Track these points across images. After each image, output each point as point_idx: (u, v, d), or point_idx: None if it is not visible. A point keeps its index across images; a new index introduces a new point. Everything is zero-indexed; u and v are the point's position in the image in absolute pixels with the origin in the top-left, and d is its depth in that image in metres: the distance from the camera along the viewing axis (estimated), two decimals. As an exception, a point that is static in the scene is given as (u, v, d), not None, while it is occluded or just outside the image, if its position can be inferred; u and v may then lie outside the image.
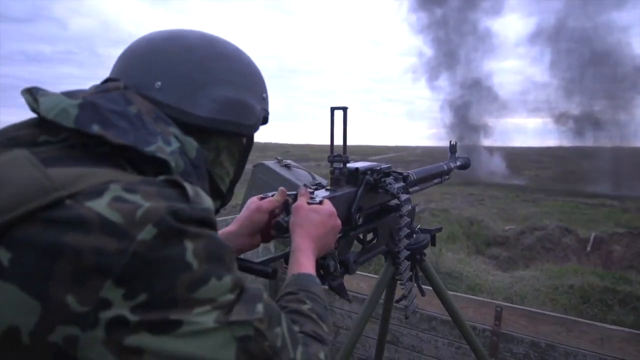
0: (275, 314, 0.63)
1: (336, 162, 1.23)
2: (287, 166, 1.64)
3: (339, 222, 0.99)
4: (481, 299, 2.42)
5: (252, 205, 1.05)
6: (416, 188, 1.67)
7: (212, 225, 0.58)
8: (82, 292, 0.49)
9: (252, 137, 0.86)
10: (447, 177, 2.05)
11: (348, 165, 1.25)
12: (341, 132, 1.21)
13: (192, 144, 0.70)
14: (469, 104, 34.26)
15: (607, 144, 26.80)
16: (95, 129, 0.61)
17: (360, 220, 1.25)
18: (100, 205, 0.52)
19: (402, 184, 1.39)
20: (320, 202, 1.00)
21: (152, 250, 0.51)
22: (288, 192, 1.09)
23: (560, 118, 31.40)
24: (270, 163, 1.65)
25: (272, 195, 1.08)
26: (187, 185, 0.58)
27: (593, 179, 19.71)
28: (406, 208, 1.42)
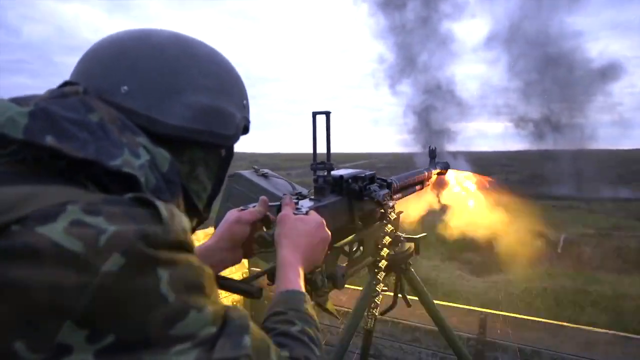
0: (263, 348, 0.59)
1: (319, 169, 1.19)
2: (265, 175, 1.58)
3: (328, 233, 0.96)
4: (465, 307, 2.40)
5: (232, 217, 1.01)
6: (399, 195, 1.66)
7: (190, 249, 0.54)
8: (34, 337, 0.44)
9: (231, 149, 0.81)
10: (428, 183, 2.05)
11: (332, 172, 1.21)
12: (324, 138, 1.17)
13: (163, 155, 0.64)
14: (431, 108, 34.75)
15: (567, 147, 27.78)
16: (49, 140, 0.55)
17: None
18: (55, 231, 0.46)
19: (386, 191, 1.37)
20: (307, 213, 0.97)
21: (120, 283, 0.47)
22: (270, 203, 1.04)
23: (520, 122, 32.40)
24: (247, 173, 1.58)
25: (253, 207, 1.04)
26: (160, 204, 0.53)
27: (557, 181, 20.37)
28: (391, 217, 1.40)
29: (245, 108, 0.80)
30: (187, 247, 0.53)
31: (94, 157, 0.57)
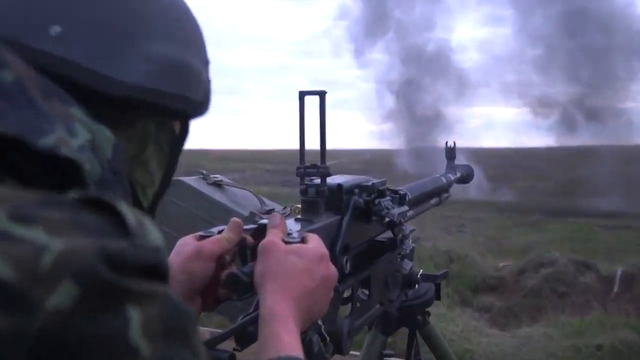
0: None
1: (310, 175, 1.20)
2: (218, 184, 1.58)
3: (333, 269, 0.98)
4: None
5: (187, 249, 1.01)
6: (411, 213, 1.69)
7: (164, 276, 0.55)
8: None
9: (187, 125, 0.86)
10: (446, 195, 2.12)
11: (328, 180, 1.23)
12: (309, 130, 1.22)
13: (105, 135, 0.67)
14: (416, 86, 33.37)
15: (609, 142, 28.33)
16: None
17: (348, 266, 1.26)
18: None
19: (404, 208, 1.40)
20: (303, 240, 0.99)
21: (73, 326, 0.46)
22: (246, 226, 1.04)
23: (540, 106, 32.40)
24: (191, 180, 1.58)
25: (219, 232, 1.05)
26: (123, 207, 0.54)
27: (603, 191, 21.00)
28: (407, 245, 1.44)
29: (207, 67, 0.85)
30: (161, 273, 0.54)
31: (15, 132, 0.56)
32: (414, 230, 1.53)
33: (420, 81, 33.23)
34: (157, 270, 0.53)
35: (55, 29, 0.68)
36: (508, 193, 21.81)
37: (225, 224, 1.10)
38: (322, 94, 1.19)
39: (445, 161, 2.26)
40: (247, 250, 1.04)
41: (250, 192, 1.56)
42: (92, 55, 0.69)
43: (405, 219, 1.40)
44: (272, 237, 0.96)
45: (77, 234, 0.49)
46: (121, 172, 0.68)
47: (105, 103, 0.70)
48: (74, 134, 0.62)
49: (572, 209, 17.76)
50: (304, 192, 1.22)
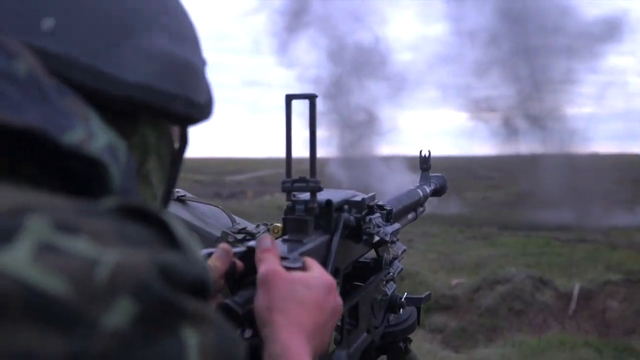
0: None
1: (299, 189, 1.18)
2: (181, 200, 1.53)
3: (340, 301, 0.99)
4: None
5: None
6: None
7: (210, 295, 0.55)
8: None
9: (186, 132, 0.85)
10: (422, 209, 2.13)
11: (319, 196, 1.20)
12: (301, 141, 1.23)
13: (119, 142, 0.65)
14: (344, 86, 31.95)
15: (550, 150, 28.90)
16: None
17: (338, 289, 1.22)
18: (16, 262, 0.44)
19: (397, 226, 1.40)
20: (302, 266, 0.98)
21: (133, 350, 0.46)
22: (235, 249, 1.02)
23: (478, 110, 32.50)
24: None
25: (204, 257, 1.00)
26: (167, 218, 0.54)
27: (554, 202, 21.63)
28: (396, 266, 1.44)
29: (206, 68, 0.84)
30: (208, 292, 0.54)
31: (39, 125, 0.55)
32: (405, 250, 1.52)
33: (350, 81, 32.17)
34: (206, 289, 0.53)
35: (47, 23, 0.66)
36: (458, 205, 22.20)
37: None
38: (312, 98, 1.17)
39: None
40: (235, 276, 1.01)
41: (218, 208, 1.51)
42: (89, 51, 0.68)
43: (397, 238, 1.39)
44: (271, 265, 0.93)
45: (125, 246, 0.49)
46: (135, 181, 0.67)
47: (105, 106, 0.68)
48: (94, 135, 0.60)
49: (525, 221, 18.22)
50: (290, 209, 1.19)
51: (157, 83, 0.72)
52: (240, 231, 1.35)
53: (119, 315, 0.46)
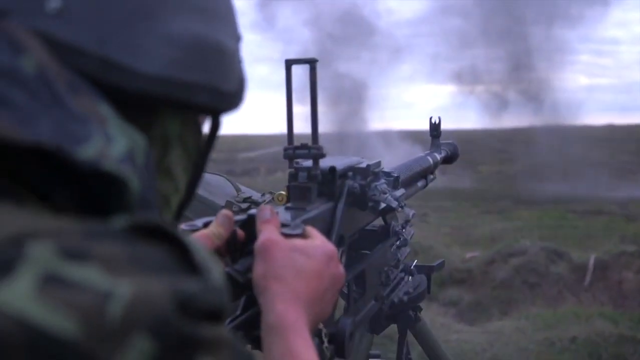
0: None
1: (301, 156, 1.17)
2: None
3: (342, 269, 0.98)
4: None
5: None
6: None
7: (225, 317, 0.53)
8: None
9: (218, 120, 0.77)
10: (432, 177, 2.13)
11: (321, 162, 1.20)
12: (301, 106, 1.24)
13: (137, 140, 0.59)
14: (334, 54, 29.92)
15: (548, 122, 28.48)
16: None
17: (344, 259, 1.25)
18: (17, 297, 0.40)
19: (402, 191, 1.40)
20: (302, 233, 0.97)
21: None
22: (236, 218, 1.03)
23: (462, 80, 31.83)
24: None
25: (204, 225, 1.01)
26: (185, 237, 0.51)
27: (566, 174, 21.56)
28: (408, 231, 1.45)
29: (240, 45, 0.77)
30: (224, 316, 0.52)
31: (52, 141, 0.49)
32: (415, 213, 1.52)
33: (339, 50, 30.50)
34: (222, 313, 0.51)
35: (53, 4, 0.58)
36: (472, 179, 22.12)
37: (200, 215, 1.08)
38: (312, 62, 1.16)
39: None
40: (237, 243, 1.01)
41: (223, 177, 1.51)
42: (101, 37, 0.60)
43: (404, 203, 1.39)
44: (270, 234, 0.93)
45: (141, 273, 0.46)
46: (154, 184, 0.62)
47: (120, 99, 0.61)
48: (111, 140, 0.55)
49: (541, 194, 18.14)
50: (293, 177, 1.20)
51: (178, 73, 0.65)
52: (245, 200, 1.35)
53: (134, 355, 0.43)
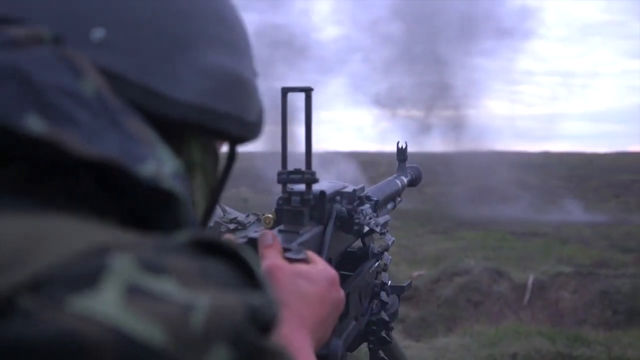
0: None
1: (294, 181, 1.17)
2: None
3: (342, 294, 0.98)
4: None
5: None
6: None
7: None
8: None
9: (235, 148, 0.78)
10: (399, 199, 2.14)
11: (314, 187, 1.21)
12: (297, 132, 1.26)
13: (178, 163, 0.59)
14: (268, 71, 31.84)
15: (466, 148, 29.08)
16: (36, 123, 0.47)
17: None
18: (106, 307, 0.40)
19: (387, 217, 1.41)
20: (304, 259, 0.97)
21: None
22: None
23: (382, 103, 32.30)
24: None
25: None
26: (244, 253, 0.51)
27: (508, 198, 21.99)
28: (386, 258, 1.47)
29: (257, 78, 0.78)
30: (277, 325, 0.51)
31: (117, 157, 0.50)
32: (394, 241, 1.52)
33: (270, 70, 30.08)
34: (276, 325, 0.51)
35: (98, 34, 0.59)
36: (418, 200, 22.34)
37: None
38: (307, 91, 1.16)
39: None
40: None
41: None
42: (141, 66, 0.61)
43: (387, 230, 1.40)
44: (274, 259, 0.92)
45: (213, 287, 0.46)
46: (196, 219, 0.62)
47: (156, 125, 0.61)
48: (161, 161, 0.55)
49: (483, 216, 18.43)
50: (285, 201, 1.19)
51: (211, 102, 0.66)
52: (231, 221, 1.34)
53: None
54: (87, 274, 0.41)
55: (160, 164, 0.54)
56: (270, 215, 1.22)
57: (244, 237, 1.04)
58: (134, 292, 0.42)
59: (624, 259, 11.16)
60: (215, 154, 0.77)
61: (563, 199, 21.97)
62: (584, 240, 14.04)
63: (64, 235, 0.44)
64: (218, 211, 1.51)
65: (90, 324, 0.39)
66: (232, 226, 1.35)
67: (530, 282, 9.36)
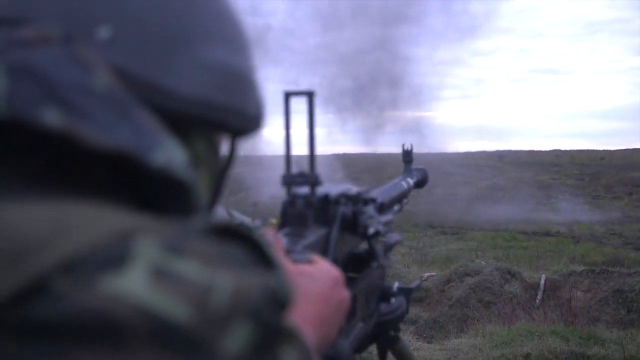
0: None
1: (299, 183, 1.17)
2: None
3: (347, 294, 0.98)
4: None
5: None
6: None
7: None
8: None
9: (236, 142, 0.80)
10: (406, 201, 2.13)
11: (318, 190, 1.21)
12: (300, 135, 1.19)
13: (185, 154, 0.61)
14: None
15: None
16: (53, 117, 0.49)
17: None
18: (134, 287, 0.43)
19: (390, 217, 1.40)
20: (309, 260, 0.97)
21: None
22: None
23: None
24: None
25: None
26: (258, 237, 0.54)
27: (509, 196, 21.92)
28: (390, 257, 1.44)
29: (255, 73, 0.80)
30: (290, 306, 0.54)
31: (131, 146, 0.52)
32: (400, 240, 1.53)
33: None
34: (290, 306, 0.54)
35: (104, 31, 0.61)
36: (427, 200, 22.35)
37: None
38: (310, 94, 1.16)
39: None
40: None
41: (215, 202, 1.50)
42: (146, 62, 0.63)
43: (390, 228, 1.40)
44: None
45: (233, 268, 0.49)
46: (207, 206, 0.66)
47: (161, 119, 0.63)
48: (173, 151, 0.57)
49: (491, 217, 18.37)
50: (290, 204, 1.18)
51: (213, 96, 0.68)
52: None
53: (237, 340, 0.46)
54: (114, 257, 0.44)
55: (171, 153, 0.56)
56: (274, 222, 1.23)
57: None
58: (159, 273, 0.44)
59: (637, 257, 11.11)
60: (217, 148, 0.79)
61: (575, 197, 21.87)
62: (596, 239, 13.97)
63: (89, 220, 0.46)
64: (225, 215, 1.52)
65: (121, 304, 0.41)
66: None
67: (542, 281, 9.32)
